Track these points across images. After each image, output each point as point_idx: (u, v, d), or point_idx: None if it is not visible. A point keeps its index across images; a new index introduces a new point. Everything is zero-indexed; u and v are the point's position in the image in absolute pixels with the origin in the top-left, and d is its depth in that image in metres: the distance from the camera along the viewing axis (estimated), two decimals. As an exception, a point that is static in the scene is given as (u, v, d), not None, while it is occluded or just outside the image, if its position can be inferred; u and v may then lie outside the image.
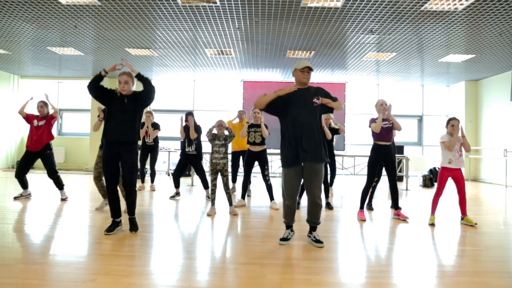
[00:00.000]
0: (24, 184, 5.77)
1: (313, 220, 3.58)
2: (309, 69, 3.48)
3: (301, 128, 3.38)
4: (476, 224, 4.47)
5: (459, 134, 4.43)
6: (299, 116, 3.41)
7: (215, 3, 5.46)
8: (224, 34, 6.90)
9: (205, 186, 6.09)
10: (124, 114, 3.66)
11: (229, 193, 4.94)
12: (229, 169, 6.00)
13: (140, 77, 3.70)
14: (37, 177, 9.07)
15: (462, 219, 4.58)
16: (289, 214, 3.60)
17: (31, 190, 6.06)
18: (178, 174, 6.19)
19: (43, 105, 5.74)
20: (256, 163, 5.75)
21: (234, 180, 7.01)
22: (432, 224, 4.51)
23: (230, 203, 4.95)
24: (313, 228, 3.61)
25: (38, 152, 5.67)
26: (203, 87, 11.77)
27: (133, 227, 3.84)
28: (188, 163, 6.18)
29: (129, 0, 5.41)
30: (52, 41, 7.56)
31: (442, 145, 4.52)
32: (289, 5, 5.48)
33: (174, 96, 11.86)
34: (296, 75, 3.55)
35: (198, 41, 7.43)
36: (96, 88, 3.63)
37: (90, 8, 5.73)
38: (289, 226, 3.65)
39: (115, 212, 3.84)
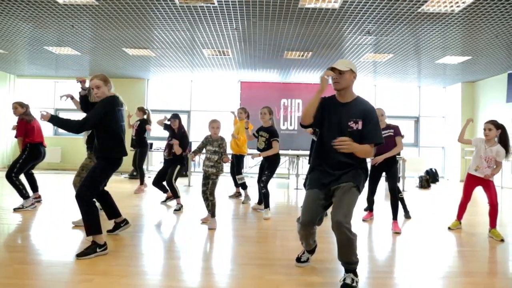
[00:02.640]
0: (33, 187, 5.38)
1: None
2: (339, 72, 2.57)
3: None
4: (502, 240, 3.95)
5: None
6: (330, 137, 2.58)
7: (213, 3, 5.46)
8: (222, 34, 6.90)
9: (174, 195, 5.37)
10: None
11: (212, 202, 4.26)
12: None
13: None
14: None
15: (489, 231, 4.15)
16: (301, 240, 2.89)
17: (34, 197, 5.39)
18: (157, 180, 5.59)
19: (17, 106, 5.20)
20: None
21: (235, 184, 6.52)
22: (449, 228, 4.40)
23: (212, 214, 4.27)
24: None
25: None
26: (200, 88, 11.76)
27: (83, 250, 3.09)
28: (166, 165, 5.59)
29: (127, 0, 5.40)
30: (49, 41, 7.53)
31: (475, 149, 4.25)
32: (287, 6, 5.49)
33: (171, 96, 11.84)
34: None
35: (195, 41, 7.42)
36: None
37: (88, 8, 5.71)
38: (309, 251, 3.04)
39: (111, 214, 3.73)
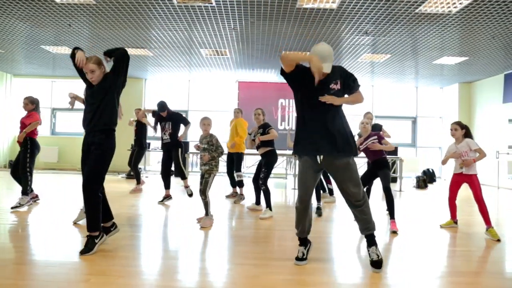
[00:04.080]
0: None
1: (361, 228, 2.89)
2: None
3: (317, 113, 2.79)
4: (499, 240, 3.91)
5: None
6: (313, 99, 2.78)
7: (211, 3, 5.46)
8: (220, 34, 6.90)
9: (182, 176, 5.83)
10: (93, 104, 3.17)
11: (205, 201, 4.23)
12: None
13: (109, 53, 3.26)
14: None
15: (486, 229, 4.09)
16: (298, 221, 2.96)
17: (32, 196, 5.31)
18: (164, 171, 5.88)
19: (27, 102, 5.20)
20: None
21: (232, 184, 6.42)
22: (441, 226, 4.46)
23: (206, 212, 4.25)
24: (369, 241, 2.88)
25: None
26: (198, 87, 11.75)
27: (84, 248, 3.07)
28: (167, 153, 5.87)
29: (124, -1, 5.39)
30: (46, 40, 7.51)
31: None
32: (285, 6, 5.49)
33: (169, 96, 11.83)
34: None
35: (193, 41, 7.42)
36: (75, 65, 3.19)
37: (85, 7, 5.70)
38: (301, 240, 3.05)
39: (103, 215, 3.36)
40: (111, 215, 3.52)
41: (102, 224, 3.44)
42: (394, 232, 4.19)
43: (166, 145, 5.82)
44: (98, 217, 3.13)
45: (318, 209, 5.09)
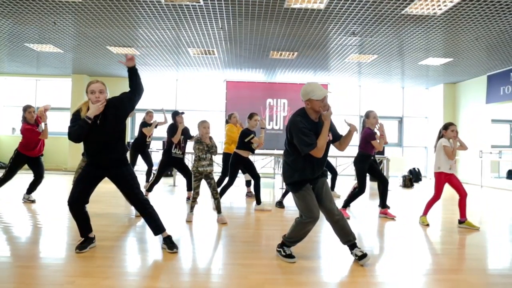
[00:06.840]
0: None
1: (343, 241, 3.11)
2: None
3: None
4: (478, 228, 4.41)
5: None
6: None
7: (199, 2, 5.43)
8: (208, 33, 6.87)
9: (190, 188, 5.69)
10: (101, 136, 3.10)
11: (218, 199, 4.48)
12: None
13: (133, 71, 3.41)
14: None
15: (462, 222, 4.51)
16: (301, 238, 3.16)
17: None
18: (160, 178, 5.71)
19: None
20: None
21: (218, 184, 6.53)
22: (427, 225, 4.58)
23: (219, 211, 4.49)
24: (351, 247, 3.10)
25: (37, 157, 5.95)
26: (185, 87, 11.68)
27: (171, 245, 3.24)
28: (172, 165, 5.86)
29: (111, -3, 5.31)
30: (30, 38, 7.35)
31: (443, 151, 4.44)
32: (273, 6, 5.50)
33: (156, 95, 11.72)
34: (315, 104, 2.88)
35: (181, 40, 7.37)
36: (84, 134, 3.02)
37: (70, 5, 5.60)
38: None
39: (85, 229, 3.25)
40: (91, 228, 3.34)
41: (88, 235, 3.29)
42: (391, 219, 4.88)
43: (176, 159, 5.63)
44: (158, 218, 3.29)
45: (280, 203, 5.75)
